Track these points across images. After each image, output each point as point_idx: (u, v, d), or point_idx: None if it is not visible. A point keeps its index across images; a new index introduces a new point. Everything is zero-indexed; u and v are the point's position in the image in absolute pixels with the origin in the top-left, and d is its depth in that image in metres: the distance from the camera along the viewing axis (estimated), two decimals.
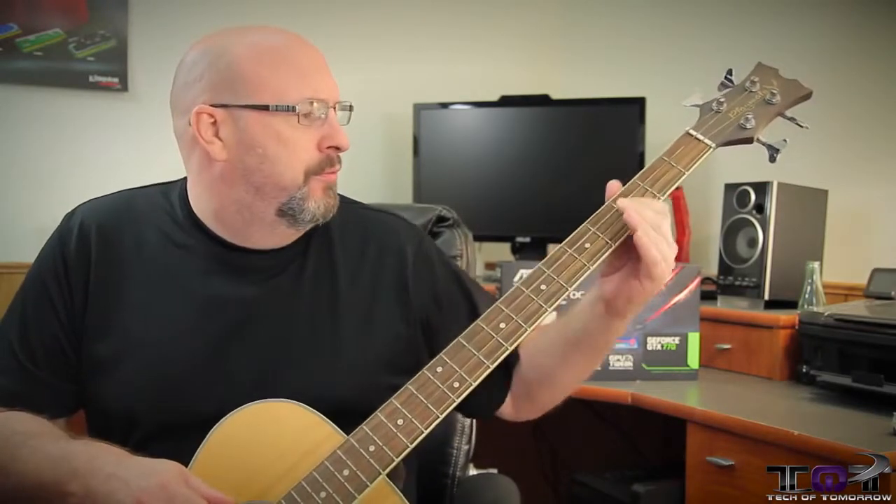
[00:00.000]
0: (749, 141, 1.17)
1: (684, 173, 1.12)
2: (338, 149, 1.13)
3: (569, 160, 2.66)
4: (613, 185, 1.11)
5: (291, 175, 1.11)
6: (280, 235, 1.16)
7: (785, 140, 1.16)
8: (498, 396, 1.25)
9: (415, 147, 2.74)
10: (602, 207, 1.10)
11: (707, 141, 1.14)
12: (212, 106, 1.10)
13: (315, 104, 1.10)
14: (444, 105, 2.76)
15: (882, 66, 2.26)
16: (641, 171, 1.13)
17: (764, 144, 1.17)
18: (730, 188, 2.23)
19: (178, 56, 1.18)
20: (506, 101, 2.74)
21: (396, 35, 2.85)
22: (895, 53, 2.24)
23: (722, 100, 1.18)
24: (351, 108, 1.18)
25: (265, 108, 1.09)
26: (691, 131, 1.15)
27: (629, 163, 2.54)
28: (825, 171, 2.29)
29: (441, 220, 1.59)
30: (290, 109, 1.09)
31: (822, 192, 2.23)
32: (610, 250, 1.07)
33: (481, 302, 1.26)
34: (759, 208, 2.15)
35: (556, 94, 2.76)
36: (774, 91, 1.18)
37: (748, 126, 1.16)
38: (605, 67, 2.96)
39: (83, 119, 2.41)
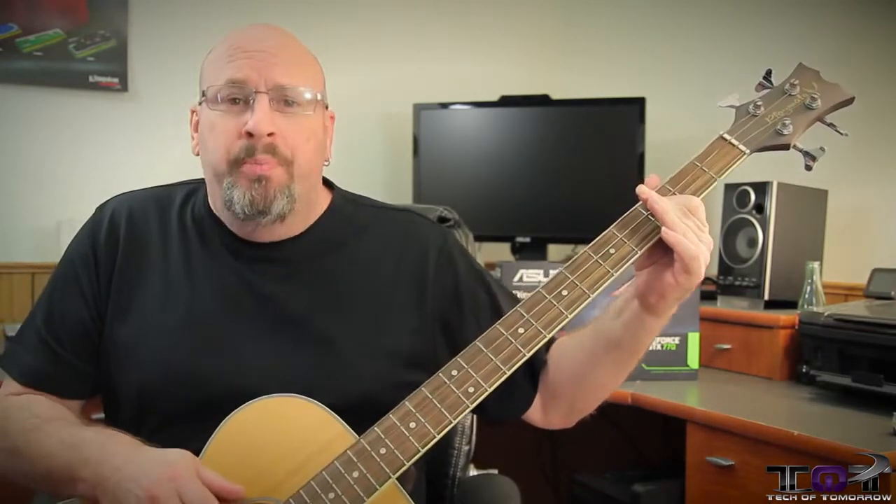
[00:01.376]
0: (786, 147, 1.13)
1: (716, 179, 1.08)
2: (250, 135, 1.08)
3: (569, 160, 2.66)
4: (652, 180, 1.07)
5: (217, 162, 1.12)
6: (264, 228, 1.16)
7: (823, 148, 1.12)
8: (523, 401, 1.23)
9: (415, 147, 2.74)
10: (630, 211, 1.07)
11: (742, 147, 1.10)
12: (199, 104, 1.17)
13: (233, 87, 1.10)
14: (444, 105, 2.76)
15: (882, 66, 2.26)
16: (672, 176, 1.09)
17: (801, 151, 1.13)
18: (730, 188, 2.23)
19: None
20: (506, 101, 2.74)
21: (396, 35, 2.85)
22: (895, 54, 2.25)
23: (759, 102, 1.14)
24: (318, 100, 1.15)
25: (201, 99, 1.15)
26: (726, 136, 1.11)
27: (629, 163, 2.54)
28: (825, 171, 2.27)
29: (442, 220, 1.59)
30: (204, 95, 1.13)
31: (822, 192, 2.23)
32: (636, 256, 1.04)
33: (504, 301, 1.25)
34: (759, 208, 2.15)
35: (556, 94, 2.76)
36: (815, 95, 1.14)
37: (785, 132, 1.12)
38: (605, 67, 2.96)
39: (83, 119, 2.41)
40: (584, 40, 3.04)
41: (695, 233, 1.02)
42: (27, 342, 1.18)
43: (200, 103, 1.16)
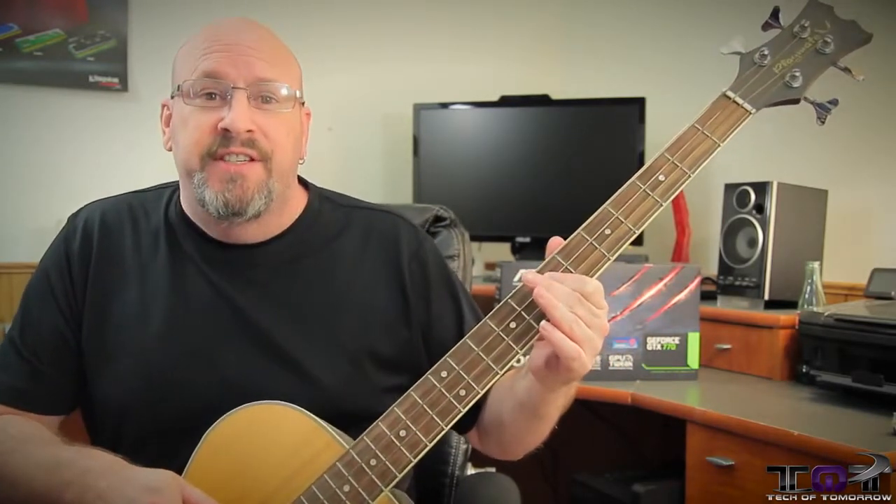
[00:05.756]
0: (796, 101, 1.03)
1: (719, 145, 0.99)
2: (227, 131, 1.06)
3: (569, 160, 2.66)
4: (554, 242, 1.00)
5: (188, 157, 1.09)
6: (239, 228, 1.13)
7: (836, 100, 1.03)
8: (470, 420, 1.18)
9: (415, 147, 2.74)
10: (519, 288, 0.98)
11: (746, 105, 1.01)
12: (171, 98, 1.15)
13: (207, 80, 1.07)
14: (444, 105, 2.76)
15: (882, 65, 2.26)
16: (671, 143, 1.00)
17: (812, 103, 1.03)
18: (730, 188, 2.23)
19: None
20: (506, 101, 2.74)
21: (396, 35, 2.85)
22: (895, 53, 2.24)
23: (766, 51, 1.03)
24: (294, 98, 1.11)
25: (174, 92, 1.12)
26: (729, 93, 1.02)
27: (629, 163, 2.54)
28: (825, 171, 2.28)
29: (438, 219, 1.58)
30: (178, 89, 1.10)
31: (822, 192, 2.23)
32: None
33: (469, 316, 1.23)
34: (759, 208, 2.14)
35: (556, 94, 2.76)
36: (828, 38, 1.03)
37: (795, 84, 1.02)
38: (605, 67, 2.96)
39: (83, 119, 2.41)
40: (584, 40, 3.04)
41: (585, 322, 0.93)
42: (3, 358, 1.15)
43: (173, 97, 1.13)
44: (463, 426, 1.19)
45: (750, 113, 1.01)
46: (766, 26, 1.06)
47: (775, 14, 1.05)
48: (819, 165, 2.27)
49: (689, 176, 0.99)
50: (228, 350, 1.12)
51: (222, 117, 1.06)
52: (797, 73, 1.02)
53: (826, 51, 1.04)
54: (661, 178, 0.98)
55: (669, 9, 2.79)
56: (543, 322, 0.93)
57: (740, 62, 1.04)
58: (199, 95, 1.08)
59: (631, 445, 2.47)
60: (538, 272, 0.97)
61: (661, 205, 0.98)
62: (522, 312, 0.96)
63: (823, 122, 1.03)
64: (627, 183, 0.99)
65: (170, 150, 1.15)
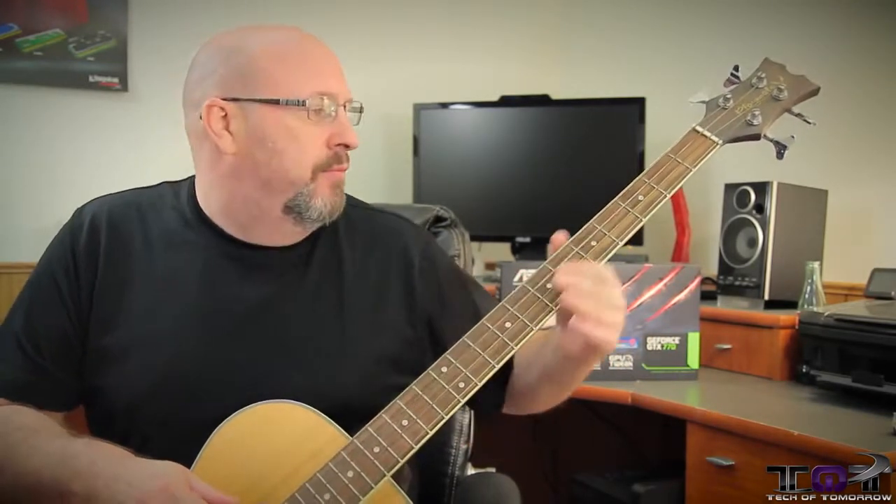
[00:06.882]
0: (756, 137, 1.16)
1: (691, 170, 1.11)
2: (346, 146, 1.14)
3: (569, 160, 2.66)
4: (559, 238, 1.08)
5: (299, 170, 1.12)
6: (286, 234, 1.17)
7: (792, 136, 1.16)
8: (497, 398, 1.25)
9: (415, 147, 2.74)
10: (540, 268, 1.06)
11: (714, 137, 1.14)
12: (223, 99, 1.12)
13: (325, 100, 1.12)
14: (444, 105, 2.76)
15: (882, 66, 2.26)
16: (648, 169, 1.12)
17: (771, 141, 1.17)
18: (730, 188, 2.23)
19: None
20: (506, 101, 2.74)
21: (396, 35, 2.85)
22: (894, 54, 2.24)
23: (728, 96, 1.18)
24: (361, 110, 1.19)
25: (276, 102, 1.10)
26: (698, 128, 1.15)
27: (629, 163, 2.54)
28: (825, 171, 2.29)
29: (438, 219, 1.59)
30: (301, 104, 1.10)
31: (822, 192, 2.23)
32: (616, 247, 1.06)
33: (484, 304, 1.26)
34: (759, 208, 2.14)
35: (556, 94, 2.76)
36: (782, 87, 1.18)
37: (755, 122, 1.15)
38: (605, 67, 2.96)
39: (83, 119, 2.41)
40: (584, 40, 3.04)
41: (604, 306, 1.00)
42: (5, 352, 1.14)
43: (236, 100, 1.11)
44: (487, 406, 1.26)
45: (717, 144, 1.14)
46: (727, 82, 1.20)
47: (736, 70, 1.20)
48: (819, 165, 2.27)
49: (666, 195, 1.10)
50: (239, 347, 1.12)
51: (333, 132, 1.13)
52: (757, 113, 1.16)
53: (780, 97, 1.18)
54: (640, 197, 1.10)
55: (669, 9, 2.80)
56: (573, 319, 1.00)
57: (706, 107, 1.18)
58: (314, 111, 1.11)
59: (631, 445, 2.47)
60: (528, 280, 1.06)
61: (642, 220, 1.08)
62: (516, 313, 1.03)
63: (782, 157, 1.17)
64: (611, 202, 1.10)
65: (233, 153, 1.13)
